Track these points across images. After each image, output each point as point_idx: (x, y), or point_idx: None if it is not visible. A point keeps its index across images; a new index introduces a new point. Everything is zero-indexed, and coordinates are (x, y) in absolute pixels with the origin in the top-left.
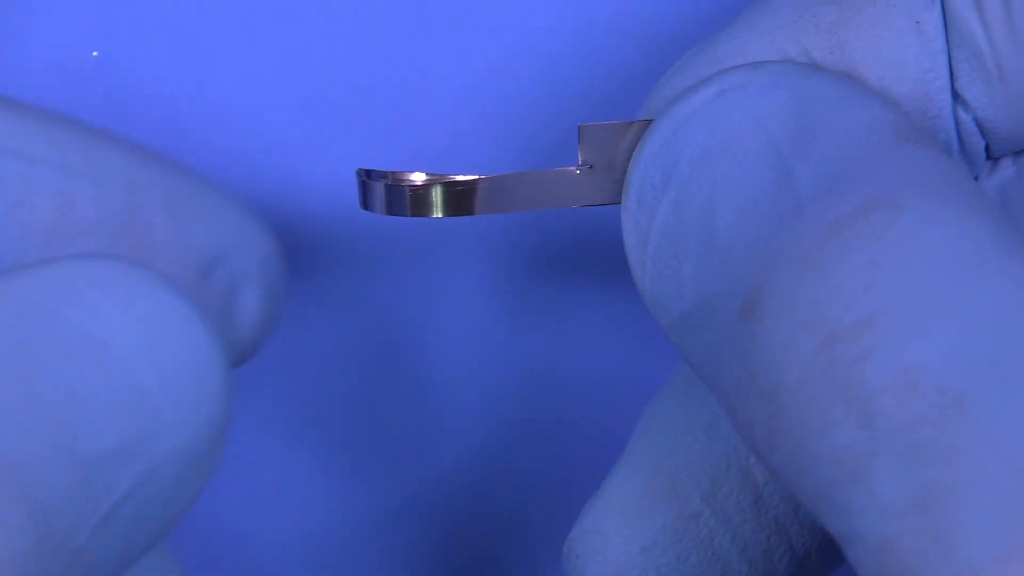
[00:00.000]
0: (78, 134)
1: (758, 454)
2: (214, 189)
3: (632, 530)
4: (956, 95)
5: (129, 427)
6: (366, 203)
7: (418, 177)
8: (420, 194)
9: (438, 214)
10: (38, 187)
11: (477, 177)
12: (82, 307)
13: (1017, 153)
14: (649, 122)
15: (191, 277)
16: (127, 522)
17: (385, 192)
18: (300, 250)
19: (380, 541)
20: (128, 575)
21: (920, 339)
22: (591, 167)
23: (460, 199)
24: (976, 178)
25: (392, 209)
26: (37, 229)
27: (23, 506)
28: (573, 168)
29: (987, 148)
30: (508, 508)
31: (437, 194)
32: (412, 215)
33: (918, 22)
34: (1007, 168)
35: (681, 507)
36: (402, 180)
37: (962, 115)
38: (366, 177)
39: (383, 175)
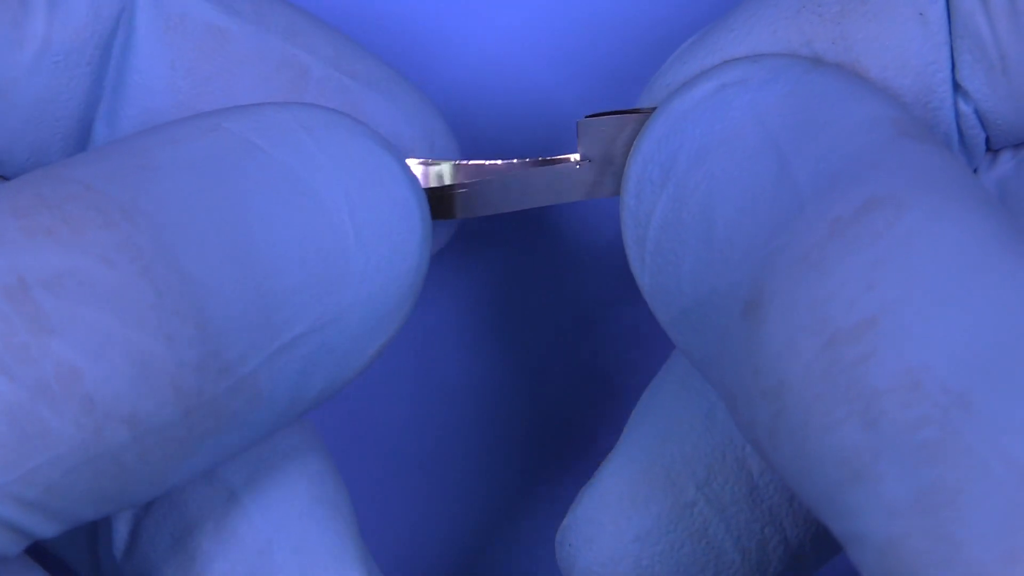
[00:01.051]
0: None
1: (761, 453)
2: (386, 63)
3: (626, 519)
4: (957, 86)
5: (318, 268)
6: None
7: (414, 170)
8: None
9: (437, 218)
10: (195, 16)
11: (483, 173)
12: (291, 148)
13: (1017, 146)
14: (647, 115)
15: None
16: (302, 362)
17: None
18: None
19: (381, 535)
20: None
21: (923, 339)
22: (590, 161)
23: (459, 202)
24: (975, 170)
25: None
26: (188, 55)
27: (193, 320)
28: (572, 163)
29: (987, 140)
30: (502, 497)
31: (434, 198)
32: None
33: (921, 14)
34: (1007, 161)
35: (676, 497)
36: None
37: (963, 107)
38: None
39: None
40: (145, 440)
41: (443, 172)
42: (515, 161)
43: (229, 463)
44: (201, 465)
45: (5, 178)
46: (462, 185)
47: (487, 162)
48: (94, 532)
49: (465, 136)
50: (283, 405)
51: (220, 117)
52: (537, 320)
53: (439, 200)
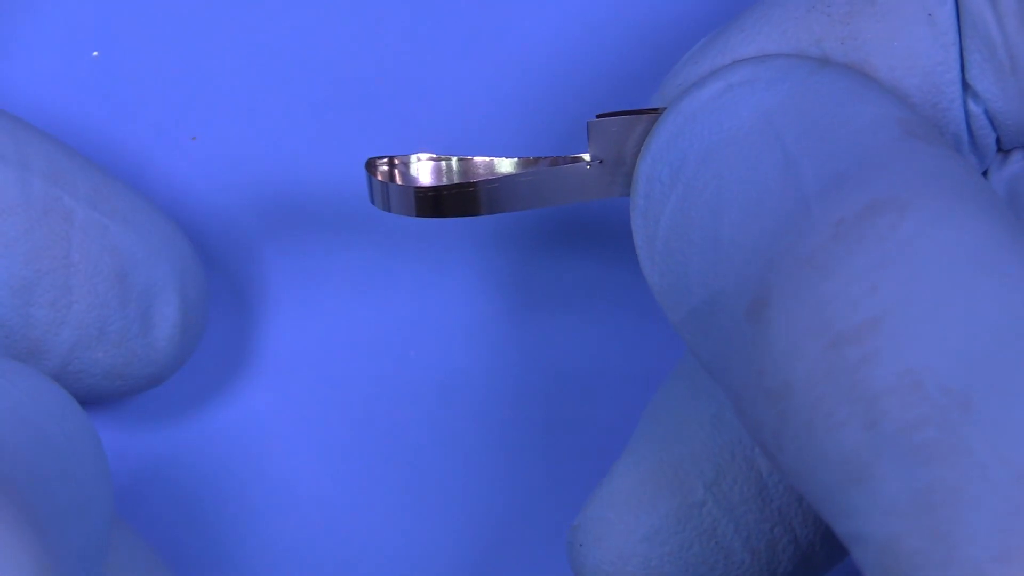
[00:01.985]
0: (5, 122)
1: (767, 453)
2: (139, 195)
3: (636, 518)
4: (967, 87)
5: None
6: (373, 199)
7: (423, 165)
8: (427, 196)
9: (446, 215)
10: None
11: (486, 178)
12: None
13: None
14: (657, 115)
15: (108, 275)
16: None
17: (392, 192)
18: (303, 247)
19: (382, 534)
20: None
21: (925, 340)
22: (601, 162)
23: (469, 200)
24: (986, 171)
25: (398, 209)
26: None
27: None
28: (583, 164)
29: (998, 141)
30: (512, 497)
31: (445, 196)
32: (418, 216)
33: (930, 14)
34: (1017, 161)
35: (685, 496)
36: (408, 165)
37: (973, 107)
38: (373, 173)
39: (389, 161)
40: None
41: (454, 167)
42: (526, 158)
43: None
44: None
45: None
46: (472, 184)
47: (497, 159)
48: None
49: (477, 135)
50: None
51: None
52: (546, 321)
53: (460, 198)
